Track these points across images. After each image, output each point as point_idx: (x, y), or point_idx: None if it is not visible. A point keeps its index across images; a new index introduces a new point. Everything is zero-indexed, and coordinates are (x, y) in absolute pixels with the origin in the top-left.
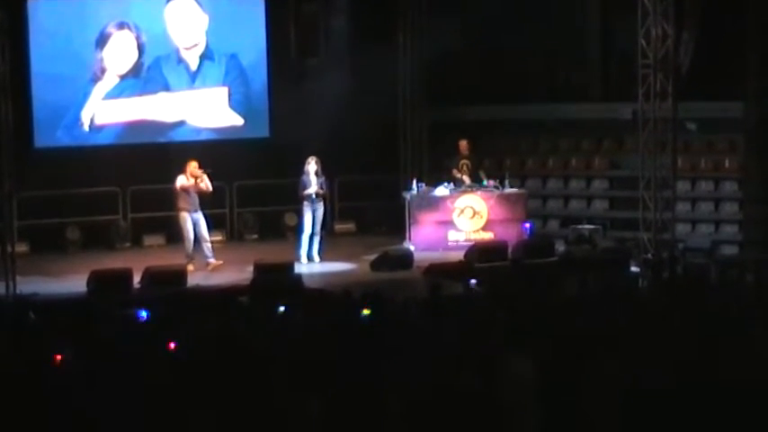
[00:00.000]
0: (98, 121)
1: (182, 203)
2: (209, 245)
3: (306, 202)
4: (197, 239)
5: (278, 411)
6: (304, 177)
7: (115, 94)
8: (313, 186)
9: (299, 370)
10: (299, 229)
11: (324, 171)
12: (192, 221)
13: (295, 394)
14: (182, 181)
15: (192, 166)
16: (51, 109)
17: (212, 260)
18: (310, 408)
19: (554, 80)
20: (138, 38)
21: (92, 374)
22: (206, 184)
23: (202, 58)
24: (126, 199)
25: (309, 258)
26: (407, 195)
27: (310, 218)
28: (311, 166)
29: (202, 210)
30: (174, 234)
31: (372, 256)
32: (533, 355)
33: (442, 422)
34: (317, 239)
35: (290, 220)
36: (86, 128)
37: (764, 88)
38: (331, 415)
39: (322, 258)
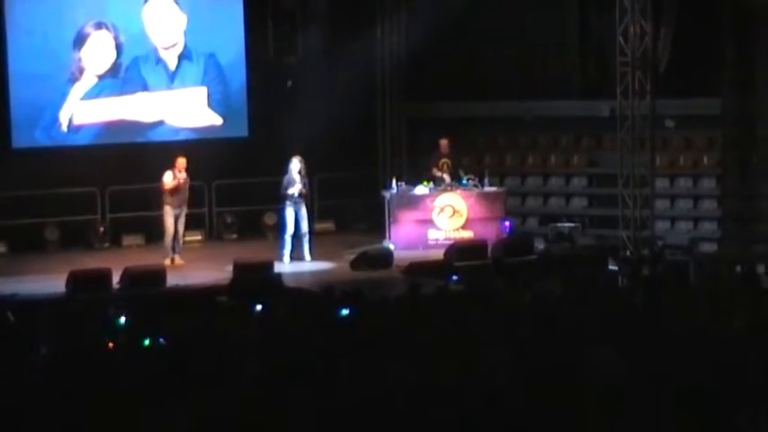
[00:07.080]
0: (76, 122)
1: (167, 199)
2: (181, 243)
3: (288, 202)
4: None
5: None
6: (287, 176)
7: (93, 94)
8: (296, 186)
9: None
10: (281, 229)
11: (306, 171)
12: (174, 217)
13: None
14: (168, 178)
15: (180, 162)
16: (29, 109)
17: (176, 256)
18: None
19: (533, 77)
20: (116, 38)
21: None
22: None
23: (181, 57)
24: (105, 199)
25: (301, 259)
26: (387, 194)
27: (293, 217)
28: (294, 165)
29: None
30: (152, 234)
31: (352, 255)
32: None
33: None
34: (306, 240)
35: (269, 219)
36: (65, 128)
37: (742, 85)
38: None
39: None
